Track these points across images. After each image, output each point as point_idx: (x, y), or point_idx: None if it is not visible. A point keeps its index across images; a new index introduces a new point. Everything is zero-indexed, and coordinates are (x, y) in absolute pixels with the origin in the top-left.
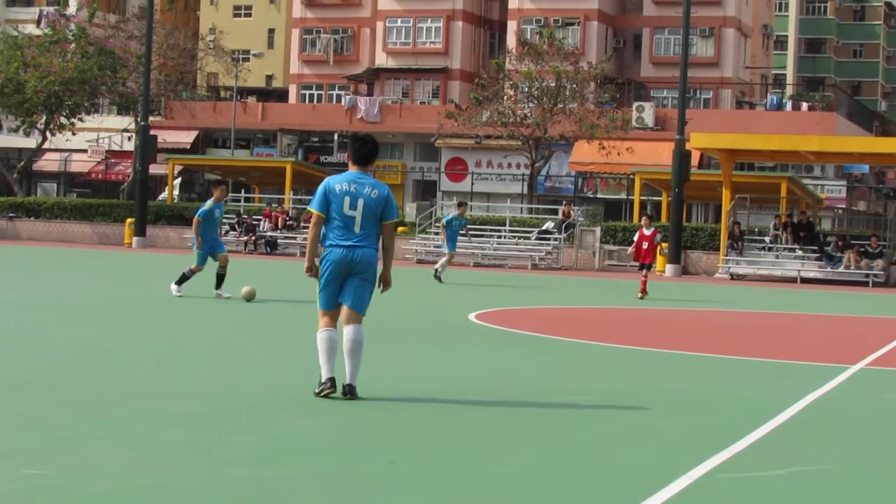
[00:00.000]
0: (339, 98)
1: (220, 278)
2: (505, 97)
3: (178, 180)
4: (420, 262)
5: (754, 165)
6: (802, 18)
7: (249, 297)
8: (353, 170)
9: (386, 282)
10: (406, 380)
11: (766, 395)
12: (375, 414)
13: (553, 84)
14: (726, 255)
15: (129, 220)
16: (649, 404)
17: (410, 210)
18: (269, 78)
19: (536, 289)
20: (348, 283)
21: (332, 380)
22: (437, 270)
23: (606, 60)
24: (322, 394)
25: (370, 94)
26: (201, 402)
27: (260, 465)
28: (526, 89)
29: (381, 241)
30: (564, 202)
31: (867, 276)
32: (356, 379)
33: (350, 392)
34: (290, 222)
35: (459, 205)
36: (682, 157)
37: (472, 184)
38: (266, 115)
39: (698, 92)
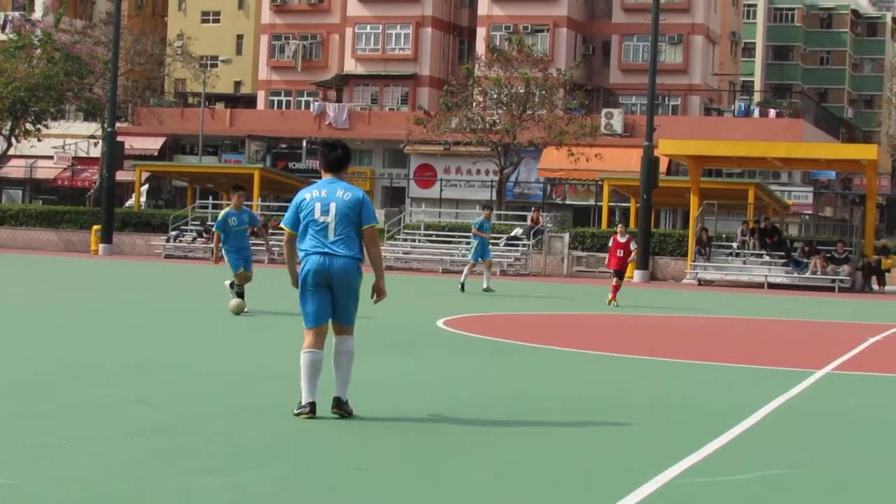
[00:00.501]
0: (307, 104)
1: (245, 294)
2: (474, 104)
3: (146, 187)
4: (388, 268)
5: (722, 172)
6: (770, 26)
7: (238, 311)
8: (325, 177)
9: (379, 292)
10: (374, 386)
11: (734, 399)
12: (343, 420)
13: (522, 90)
14: (694, 261)
15: (95, 227)
16: (618, 409)
17: (379, 216)
18: (238, 84)
19: (505, 295)
20: (335, 297)
21: (312, 405)
22: (485, 286)
23: (575, 67)
24: (301, 416)
25: (339, 100)
26: (168, 410)
27: (227, 473)
28: (495, 96)
29: (365, 250)
30: (533, 208)
31: (833, 281)
32: (346, 392)
33: (339, 406)
34: (258, 229)
35: (485, 207)
36: (650, 163)
37: (441, 190)
38: (234, 121)
39: (667, 98)
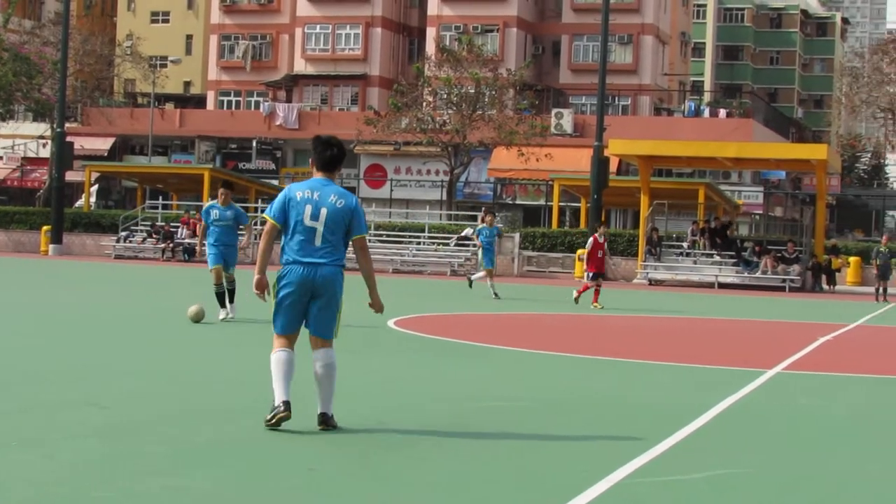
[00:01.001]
0: (257, 105)
1: (225, 295)
2: (424, 104)
3: (95, 187)
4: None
5: (672, 172)
6: (720, 26)
7: (197, 318)
8: (317, 176)
9: (376, 306)
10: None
11: (685, 399)
12: (294, 421)
13: (472, 90)
14: (644, 261)
15: (45, 228)
16: (569, 410)
17: None
18: (187, 84)
19: (455, 295)
20: (310, 309)
21: (286, 403)
22: (492, 292)
23: (525, 67)
24: (273, 420)
25: (289, 100)
26: (118, 412)
27: (176, 475)
28: (445, 96)
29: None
30: (483, 208)
31: (784, 281)
32: (331, 407)
33: (325, 422)
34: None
35: (486, 213)
36: (600, 163)
37: (392, 190)
38: (184, 121)
39: (617, 98)
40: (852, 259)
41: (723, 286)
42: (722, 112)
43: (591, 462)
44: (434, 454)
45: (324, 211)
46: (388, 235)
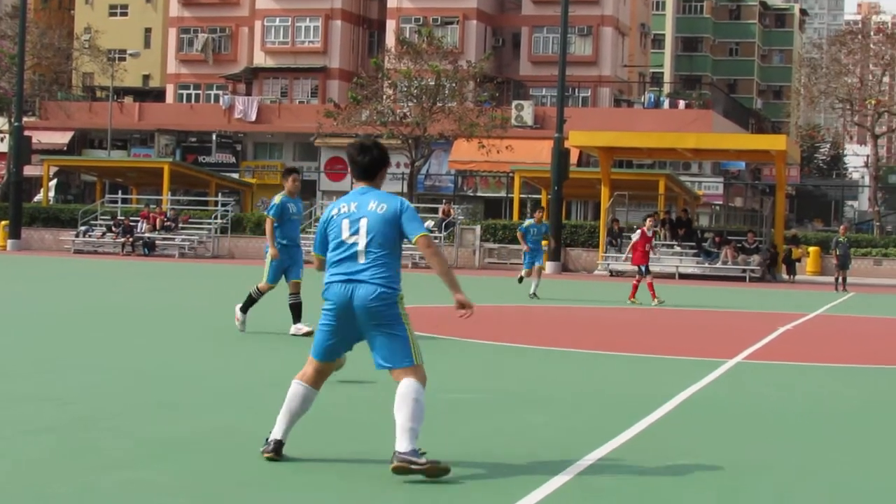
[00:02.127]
0: (216, 98)
1: (296, 309)
2: (384, 96)
3: (54, 182)
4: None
5: (632, 163)
6: (679, 17)
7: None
8: (357, 187)
9: (461, 304)
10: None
11: (646, 390)
12: (251, 414)
13: (432, 83)
14: (605, 252)
15: (2, 223)
16: (530, 401)
17: None
18: (146, 78)
19: (416, 288)
20: (369, 337)
21: (277, 443)
22: (532, 292)
23: (485, 59)
24: (264, 455)
25: (248, 93)
26: (76, 406)
27: (134, 469)
28: (405, 88)
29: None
30: (444, 201)
31: (744, 271)
32: (408, 444)
33: (396, 459)
34: (168, 223)
35: (536, 209)
36: (560, 155)
37: (352, 183)
38: (143, 115)
39: (577, 90)
40: (812, 249)
41: (683, 277)
42: (682, 103)
43: (552, 452)
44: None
45: (364, 222)
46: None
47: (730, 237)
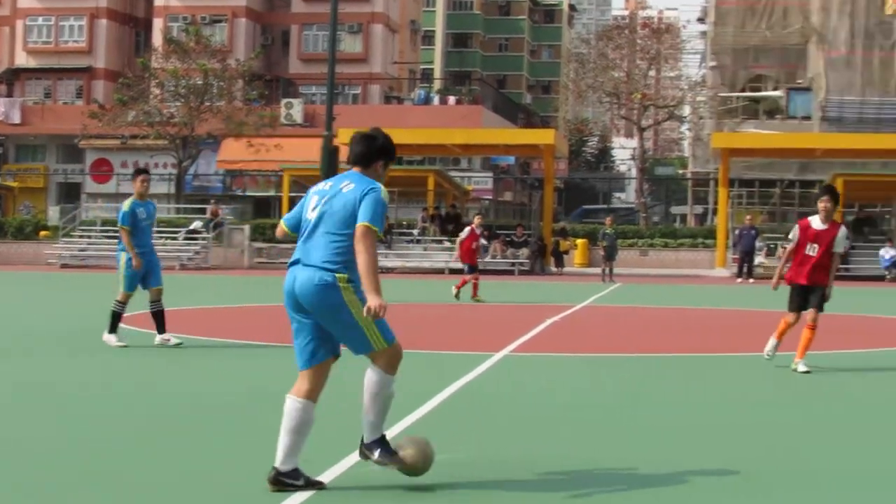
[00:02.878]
0: None
1: (159, 317)
2: (151, 96)
3: None
4: (64, 266)
5: (402, 159)
6: (449, 14)
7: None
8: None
9: (367, 309)
10: (56, 387)
11: (412, 386)
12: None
13: (200, 82)
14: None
15: None
16: (345, 399)
17: (54, 214)
18: None
19: (185, 289)
20: (330, 330)
21: (275, 470)
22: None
23: (254, 57)
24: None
25: (10, 95)
26: None
27: None
28: (172, 88)
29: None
30: (212, 201)
31: (513, 264)
32: (372, 434)
33: (361, 450)
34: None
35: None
36: (330, 153)
37: (118, 185)
38: None
39: (347, 88)
40: (579, 241)
41: (454, 272)
42: (452, 99)
43: (323, 449)
44: (158, 455)
45: (325, 200)
46: (115, 231)
47: (499, 231)
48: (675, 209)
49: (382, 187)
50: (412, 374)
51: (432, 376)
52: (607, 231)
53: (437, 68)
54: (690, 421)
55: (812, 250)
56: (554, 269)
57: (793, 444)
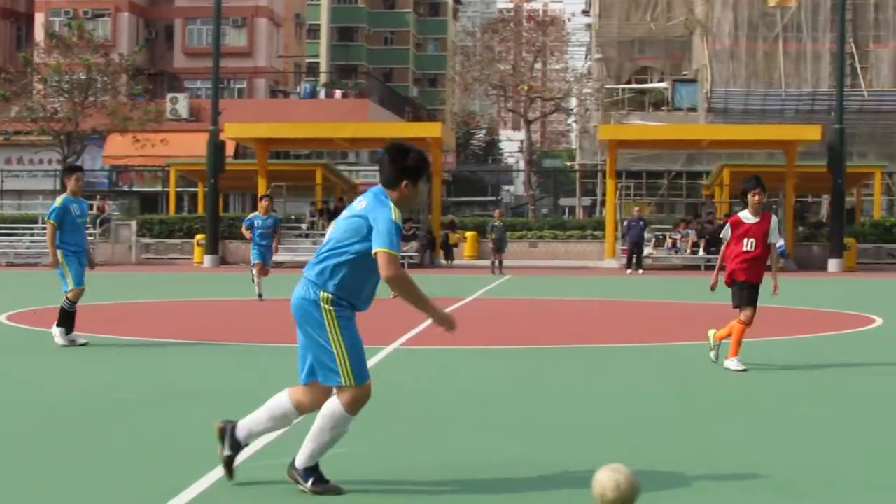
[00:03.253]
0: None
1: (67, 317)
2: (34, 92)
3: None
4: None
5: (290, 153)
6: (334, 7)
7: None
8: None
9: (443, 322)
10: None
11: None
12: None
13: (84, 77)
14: None
15: None
16: (190, 399)
17: None
18: None
19: None
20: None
21: (239, 441)
22: (259, 292)
23: (138, 52)
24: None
25: None
26: None
27: None
28: (56, 83)
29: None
30: (98, 197)
31: (402, 258)
32: (305, 461)
33: (290, 470)
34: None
35: (262, 198)
36: (216, 147)
37: (3, 181)
38: None
39: (232, 82)
40: (468, 234)
41: None
42: (338, 93)
43: (212, 446)
44: (52, 454)
45: (344, 215)
46: (0, 228)
47: None
48: (563, 201)
49: (394, 207)
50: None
51: None
52: (496, 223)
53: (323, 62)
54: (588, 414)
55: (750, 245)
56: (443, 262)
57: (693, 433)
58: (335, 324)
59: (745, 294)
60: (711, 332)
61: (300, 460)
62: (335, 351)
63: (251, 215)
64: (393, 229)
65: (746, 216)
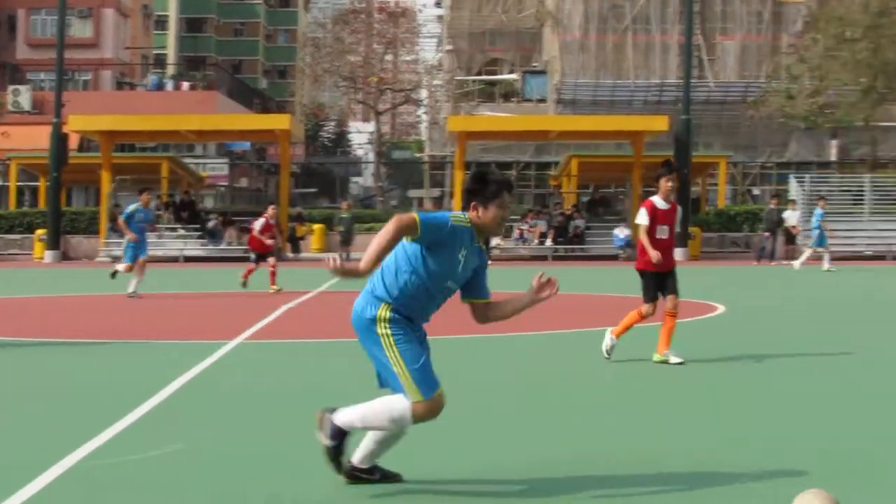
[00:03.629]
0: None
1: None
2: None
3: None
4: None
5: (135, 146)
6: None
7: None
8: None
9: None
10: None
11: (143, 377)
12: None
13: None
14: (107, 238)
15: None
16: (68, 394)
17: None
18: None
19: None
20: None
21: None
22: (132, 290)
23: None
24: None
25: None
26: None
27: None
28: None
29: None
30: None
31: (248, 251)
32: (345, 425)
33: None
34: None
35: (143, 192)
36: (59, 140)
37: None
38: None
39: (77, 74)
40: (316, 226)
41: (189, 259)
42: (186, 85)
43: (43, 446)
44: None
45: None
46: None
47: (234, 218)
48: (412, 192)
49: (451, 216)
50: (144, 365)
51: (164, 367)
52: (344, 216)
53: (171, 53)
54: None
55: (663, 233)
56: (290, 254)
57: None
58: (388, 335)
59: (670, 283)
60: (609, 330)
61: (341, 419)
62: (395, 368)
63: (132, 207)
64: (434, 217)
65: (660, 202)
